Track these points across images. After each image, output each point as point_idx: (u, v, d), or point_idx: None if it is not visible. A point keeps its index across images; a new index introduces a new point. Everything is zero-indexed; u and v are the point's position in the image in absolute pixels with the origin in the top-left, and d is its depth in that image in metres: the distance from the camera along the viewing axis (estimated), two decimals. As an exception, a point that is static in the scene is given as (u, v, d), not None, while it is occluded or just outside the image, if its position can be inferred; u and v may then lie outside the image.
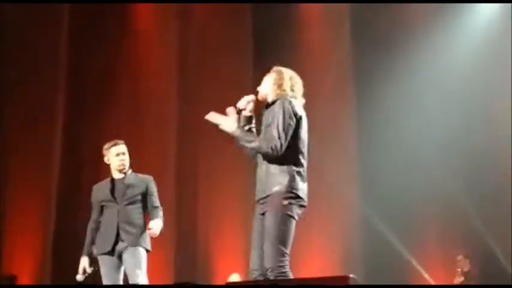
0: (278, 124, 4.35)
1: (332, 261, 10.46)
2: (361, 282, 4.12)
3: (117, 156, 5.94)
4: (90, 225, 5.98)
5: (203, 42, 11.59)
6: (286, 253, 4.30)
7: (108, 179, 6.03)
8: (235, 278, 9.67)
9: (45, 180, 10.24)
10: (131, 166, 6.04)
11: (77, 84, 10.89)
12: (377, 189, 10.77)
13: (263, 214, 4.43)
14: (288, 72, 4.65)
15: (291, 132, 4.37)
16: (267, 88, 4.64)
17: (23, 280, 9.84)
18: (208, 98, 11.38)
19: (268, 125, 4.41)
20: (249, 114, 4.65)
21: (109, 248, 5.76)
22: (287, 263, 4.30)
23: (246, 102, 4.65)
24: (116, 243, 5.76)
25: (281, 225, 4.29)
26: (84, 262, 5.87)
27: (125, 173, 5.96)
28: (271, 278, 4.25)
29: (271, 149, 4.32)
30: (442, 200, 10.71)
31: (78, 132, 10.83)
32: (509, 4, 11.01)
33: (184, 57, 11.47)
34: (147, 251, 5.83)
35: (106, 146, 6.02)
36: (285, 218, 4.30)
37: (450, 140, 10.67)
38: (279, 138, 4.31)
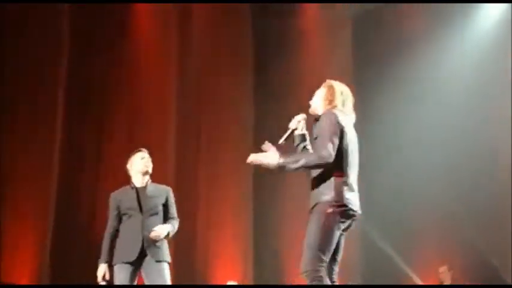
0: (324, 135, 4.44)
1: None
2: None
3: (142, 159, 5.95)
4: (110, 232, 5.89)
5: (203, 43, 11.60)
6: (323, 259, 4.38)
7: (128, 187, 5.97)
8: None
9: (45, 184, 10.20)
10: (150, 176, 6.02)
11: (78, 85, 10.85)
12: (373, 195, 10.78)
13: None
14: (339, 87, 4.75)
15: (337, 141, 4.45)
16: (317, 103, 4.74)
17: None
18: (208, 99, 11.43)
19: (315, 138, 4.55)
20: (301, 132, 4.82)
21: (133, 259, 5.71)
22: (323, 269, 4.37)
23: (297, 122, 4.81)
24: (141, 254, 5.73)
25: (321, 232, 4.38)
26: (103, 269, 5.80)
27: (145, 182, 5.93)
28: (307, 281, 4.34)
29: (321, 158, 4.40)
30: (438, 208, 10.72)
31: (79, 134, 10.81)
32: (509, 9, 11.05)
33: (185, 57, 11.46)
34: (169, 263, 5.85)
35: (130, 155, 6.04)
36: (325, 226, 4.38)
37: (448, 146, 10.70)
38: (327, 147, 4.39)
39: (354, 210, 4.48)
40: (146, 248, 5.71)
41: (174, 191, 6.06)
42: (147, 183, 5.94)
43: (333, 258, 4.52)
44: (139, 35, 11.46)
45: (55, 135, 10.39)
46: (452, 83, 11.02)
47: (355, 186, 4.53)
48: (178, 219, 5.96)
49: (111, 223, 5.91)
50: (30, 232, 9.88)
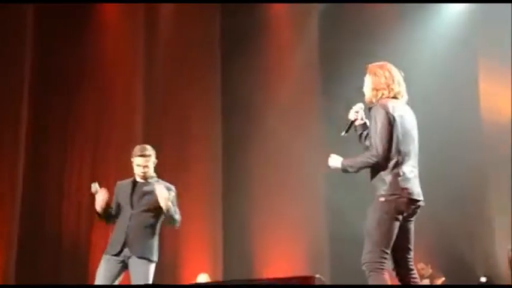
0: (374, 133, 4.52)
1: (301, 261, 10.50)
2: (327, 282, 4.15)
3: (137, 167, 5.84)
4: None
5: (171, 42, 11.55)
6: (383, 251, 4.41)
7: (130, 180, 5.92)
8: (203, 278, 9.64)
9: (11, 180, 10.11)
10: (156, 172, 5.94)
11: (42, 84, 10.77)
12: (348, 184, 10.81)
13: None
14: (382, 70, 4.75)
15: (387, 136, 4.51)
16: (367, 91, 4.78)
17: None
18: (175, 96, 11.38)
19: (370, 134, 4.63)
20: (361, 122, 4.87)
21: (115, 252, 5.68)
22: (384, 260, 4.40)
23: (355, 113, 4.87)
24: (122, 248, 5.67)
25: (376, 224, 4.43)
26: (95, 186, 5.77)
27: (146, 178, 5.86)
28: (366, 272, 4.39)
29: (373, 157, 4.50)
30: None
31: (44, 133, 10.72)
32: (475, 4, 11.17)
33: (152, 56, 11.40)
34: (154, 262, 5.73)
35: (134, 151, 5.91)
36: (380, 217, 4.43)
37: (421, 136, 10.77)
38: (377, 147, 4.49)
39: (410, 199, 4.50)
40: (128, 243, 5.65)
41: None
42: (148, 179, 5.86)
43: (406, 247, 4.56)
44: (106, 34, 11.37)
45: (20, 136, 10.29)
46: (419, 73, 11.08)
47: (410, 174, 4.56)
48: (178, 218, 5.81)
49: (114, 207, 5.90)
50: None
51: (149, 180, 5.85)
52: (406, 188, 4.49)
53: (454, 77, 11.01)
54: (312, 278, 3.83)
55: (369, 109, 4.72)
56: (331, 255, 10.77)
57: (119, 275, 5.73)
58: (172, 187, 5.88)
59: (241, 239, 10.97)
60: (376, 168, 4.54)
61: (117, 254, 5.67)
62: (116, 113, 10.99)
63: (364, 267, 4.41)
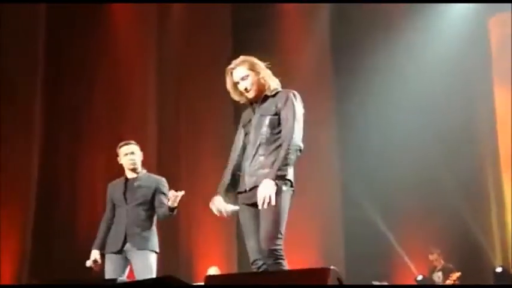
0: (293, 118, 4.35)
1: (313, 253, 10.54)
2: (341, 274, 4.14)
3: (125, 156, 5.99)
4: (104, 221, 6.03)
5: (182, 42, 11.59)
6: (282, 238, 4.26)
7: (122, 178, 6.07)
8: (213, 271, 9.69)
9: (24, 179, 10.17)
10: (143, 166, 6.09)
11: (55, 84, 10.84)
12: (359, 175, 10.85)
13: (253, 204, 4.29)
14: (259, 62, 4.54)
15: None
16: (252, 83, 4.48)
17: (5, 281, 9.77)
18: (187, 97, 11.42)
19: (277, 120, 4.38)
20: None
21: (117, 249, 5.81)
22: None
23: None
24: (124, 244, 5.80)
25: (284, 211, 4.25)
26: (94, 254, 5.89)
27: (137, 173, 6.00)
28: (270, 260, 4.20)
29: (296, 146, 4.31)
30: (425, 187, 10.78)
31: (56, 131, 10.79)
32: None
33: (163, 56, 11.45)
34: (156, 252, 5.86)
35: (118, 147, 6.09)
36: (286, 205, 4.26)
37: (431, 125, 10.81)
38: (296, 132, 4.33)
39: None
40: (128, 237, 5.78)
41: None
42: (138, 174, 6.00)
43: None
44: (118, 35, 11.43)
45: (33, 136, 10.36)
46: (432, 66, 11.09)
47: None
48: (166, 206, 5.81)
49: (106, 212, 6.05)
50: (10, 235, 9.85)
51: (139, 175, 5.99)
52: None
53: (468, 69, 11.03)
54: (327, 270, 3.81)
55: (273, 95, 4.43)
56: (345, 246, 10.84)
57: (124, 270, 5.86)
58: (163, 179, 6.02)
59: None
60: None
61: (119, 251, 5.81)
62: (129, 107, 11.06)
63: (271, 254, 4.17)
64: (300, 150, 4.32)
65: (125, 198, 5.90)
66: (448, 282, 9.86)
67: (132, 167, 5.99)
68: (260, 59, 4.52)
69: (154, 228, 5.92)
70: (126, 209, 5.86)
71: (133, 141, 6.12)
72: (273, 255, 4.20)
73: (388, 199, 10.85)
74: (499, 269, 10.28)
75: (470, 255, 10.58)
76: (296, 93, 4.49)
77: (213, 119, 11.33)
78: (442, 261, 10.38)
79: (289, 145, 4.25)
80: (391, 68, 10.92)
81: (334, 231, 11.06)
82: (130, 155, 5.99)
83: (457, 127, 10.78)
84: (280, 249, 4.22)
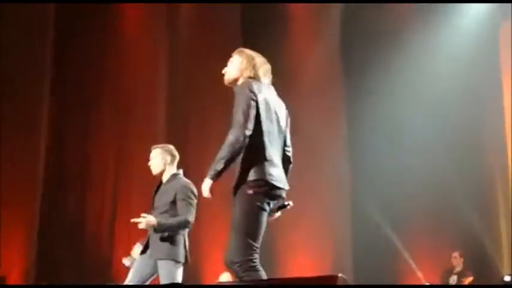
0: (237, 110, 4.08)
1: (321, 258, 10.48)
2: (350, 281, 4.07)
3: (148, 162, 5.84)
4: None
5: (191, 42, 11.56)
6: (254, 246, 4.02)
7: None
8: (225, 277, 9.61)
9: (31, 178, 10.16)
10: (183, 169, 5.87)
11: (63, 83, 10.84)
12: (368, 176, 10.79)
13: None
14: (249, 55, 4.39)
15: (252, 116, 4.06)
16: (230, 73, 4.39)
17: (12, 281, 9.77)
18: (196, 96, 11.38)
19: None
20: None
21: (141, 252, 5.68)
22: (257, 257, 4.01)
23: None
24: (145, 250, 5.65)
25: (246, 216, 4.00)
26: (137, 251, 5.82)
27: (166, 179, 5.76)
28: (238, 274, 3.96)
29: (233, 143, 4.04)
30: (434, 191, 10.71)
31: (63, 131, 10.79)
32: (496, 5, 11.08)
33: (172, 55, 11.41)
34: (180, 262, 5.59)
35: None
36: (250, 208, 4.00)
37: (440, 124, 10.75)
38: (241, 124, 4.04)
39: (280, 188, 4.08)
40: (151, 247, 5.60)
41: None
42: (166, 179, 5.77)
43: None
44: (127, 35, 11.42)
45: (41, 134, 10.35)
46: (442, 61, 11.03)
47: (276, 160, 4.13)
48: (185, 216, 5.57)
49: None
50: (19, 230, 9.84)
51: (166, 181, 5.75)
52: (275, 175, 4.05)
53: (478, 72, 10.96)
54: (335, 277, 3.74)
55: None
56: (354, 251, 10.78)
57: (150, 274, 5.66)
58: (186, 186, 5.69)
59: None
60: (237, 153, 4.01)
61: (143, 253, 5.64)
62: (138, 106, 11.03)
63: (234, 267, 3.91)
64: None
65: (153, 204, 5.70)
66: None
67: (153, 173, 5.82)
68: (270, 59, 4.39)
69: (179, 236, 5.60)
70: (154, 216, 5.57)
71: (160, 145, 5.89)
72: (234, 269, 3.98)
73: (396, 201, 10.76)
74: (507, 278, 10.19)
75: (478, 264, 10.49)
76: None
77: (221, 119, 11.27)
78: (462, 264, 10.29)
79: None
80: (401, 68, 10.85)
81: (343, 232, 10.98)
82: (151, 160, 5.81)
83: (466, 135, 10.71)
84: (243, 262, 3.95)
